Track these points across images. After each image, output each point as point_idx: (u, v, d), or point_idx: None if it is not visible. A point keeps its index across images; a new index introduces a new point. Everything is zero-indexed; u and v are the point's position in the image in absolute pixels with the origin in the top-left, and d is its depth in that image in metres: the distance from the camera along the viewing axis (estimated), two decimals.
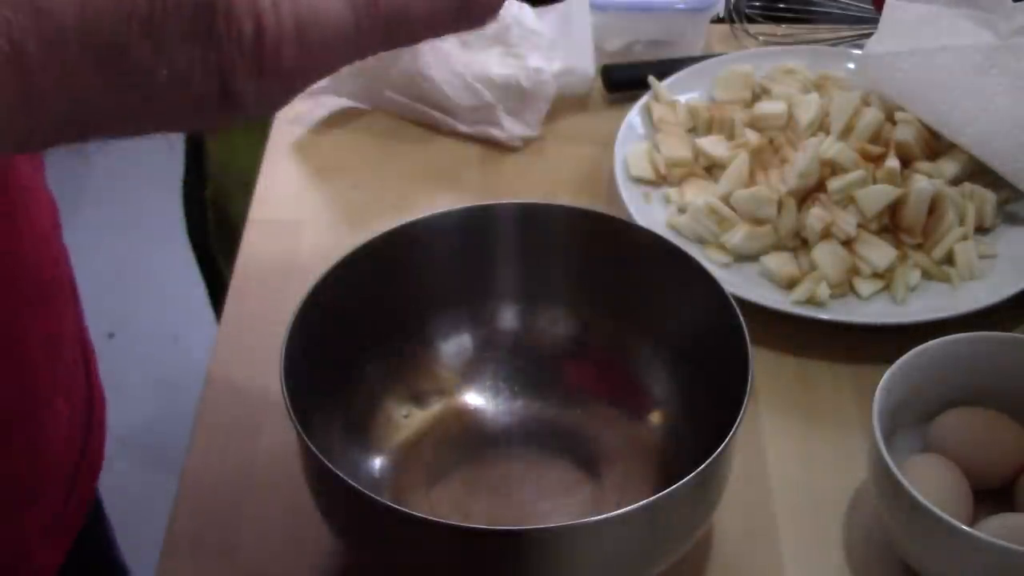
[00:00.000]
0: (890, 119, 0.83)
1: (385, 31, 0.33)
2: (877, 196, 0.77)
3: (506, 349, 0.69)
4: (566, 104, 0.93)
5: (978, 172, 0.82)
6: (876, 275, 0.76)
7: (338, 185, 0.88)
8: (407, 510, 0.53)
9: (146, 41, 0.32)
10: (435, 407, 0.68)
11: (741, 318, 0.59)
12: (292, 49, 0.33)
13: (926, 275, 0.77)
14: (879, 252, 0.76)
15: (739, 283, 0.75)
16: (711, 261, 0.77)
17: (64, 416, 0.67)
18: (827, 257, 0.76)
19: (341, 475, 0.51)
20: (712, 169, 0.84)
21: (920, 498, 0.56)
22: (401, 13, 0.33)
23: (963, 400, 0.65)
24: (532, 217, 0.67)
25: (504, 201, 0.67)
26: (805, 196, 0.78)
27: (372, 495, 0.51)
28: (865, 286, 0.76)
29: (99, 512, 0.81)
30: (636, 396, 0.67)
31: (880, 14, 0.87)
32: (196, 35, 0.32)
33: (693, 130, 0.88)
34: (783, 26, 1.04)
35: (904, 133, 0.81)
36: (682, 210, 0.81)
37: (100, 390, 0.74)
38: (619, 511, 0.51)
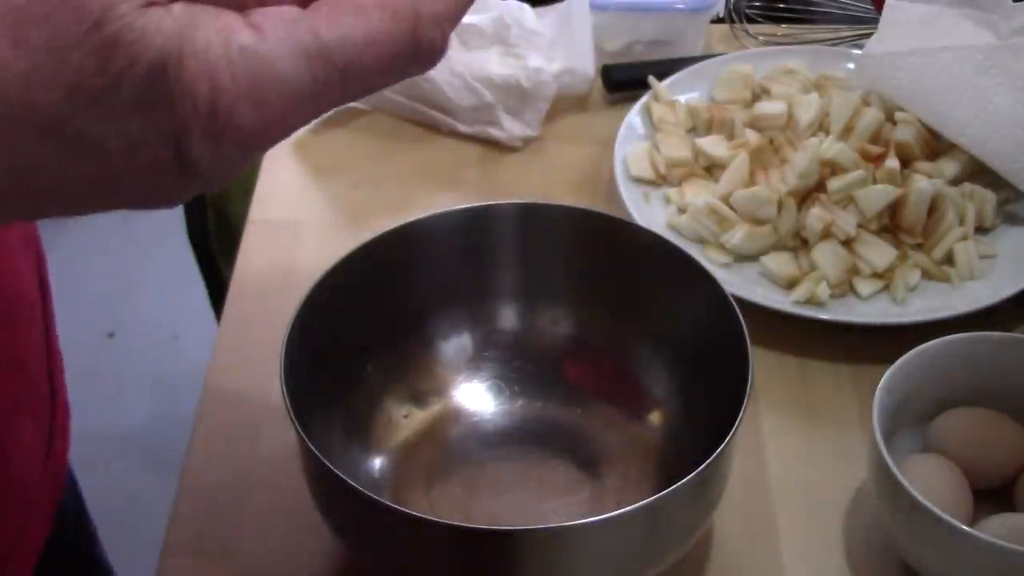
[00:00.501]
0: (890, 119, 0.83)
1: (342, 84, 0.32)
2: (877, 196, 0.77)
3: (506, 349, 0.69)
4: (566, 104, 0.94)
5: (978, 172, 0.82)
6: (876, 275, 0.76)
7: (338, 185, 0.88)
8: (407, 510, 0.53)
9: (95, 110, 0.30)
10: (435, 407, 0.68)
11: (741, 318, 0.59)
12: (249, 110, 0.31)
13: (926, 275, 0.77)
14: (879, 252, 0.76)
15: (739, 283, 0.75)
16: (711, 261, 0.77)
17: (28, 436, 0.65)
18: (827, 257, 0.76)
19: (341, 475, 0.51)
20: (712, 169, 0.84)
21: (920, 498, 0.56)
22: (355, 64, 0.32)
23: (963, 400, 0.65)
24: (532, 217, 0.67)
25: (504, 201, 0.67)
26: (805, 196, 0.78)
27: (372, 495, 0.51)
28: (865, 286, 0.76)
29: (80, 512, 0.80)
30: (636, 396, 0.67)
31: (880, 14, 0.87)
32: (147, 101, 0.31)
33: (693, 130, 0.88)
34: (783, 26, 1.04)
35: (904, 133, 0.81)
36: (682, 210, 0.81)
37: (64, 395, 0.72)
38: (619, 511, 0.51)
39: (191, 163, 0.32)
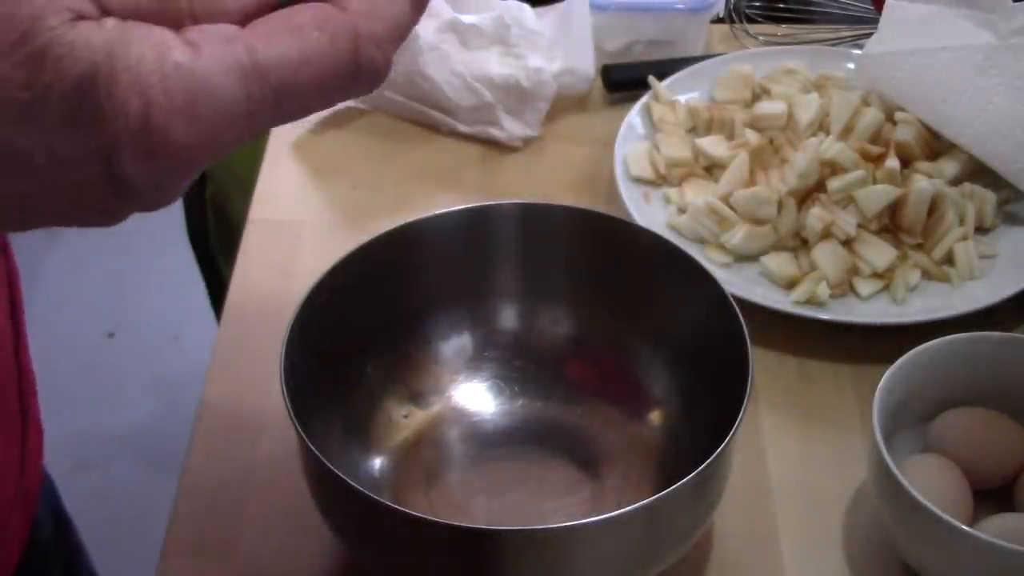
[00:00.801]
0: (890, 119, 0.83)
1: (276, 102, 0.32)
2: (877, 196, 0.77)
3: (506, 349, 0.69)
4: (566, 104, 0.94)
5: (978, 172, 0.82)
6: (876, 275, 0.76)
7: (338, 185, 0.88)
8: (407, 510, 0.53)
9: (21, 124, 0.30)
10: (435, 407, 0.68)
11: (741, 318, 0.59)
12: (183, 126, 0.30)
13: (926, 275, 0.77)
14: (879, 252, 0.76)
15: (739, 283, 0.75)
16: (711, 261, 0.77)
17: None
18: (827, 257, 0.76)
19: (341, 475, 0.51)
20: (712, 169, 0.84)
21: (920, 498, 0.56)
22: (291, 83, 0.32)
23: (963, 400, 0.65)
24: (532, 217, 0.67)
25: (504, 201, 0.67)
26: (805, 196, 0.78)
27: (372, 495, 0.51)
28: (865, 286, 0.76)
29: (61, 524, 0.80)
30: (636, 396, 0.67)
31: (880, 14, 0.87)
32: (77, 116, 0.30)
33: (693, 130, 0.88)
34: (783, 26, 1.04)
35: (904, 133, 0.81)
36: (682, 210, 0.81)
37: (35, 414, 0.71)
38: (619, 511, 0.51)
39: (124, 180, 0.31)
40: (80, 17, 0.30)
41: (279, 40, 0.32)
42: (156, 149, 0.31)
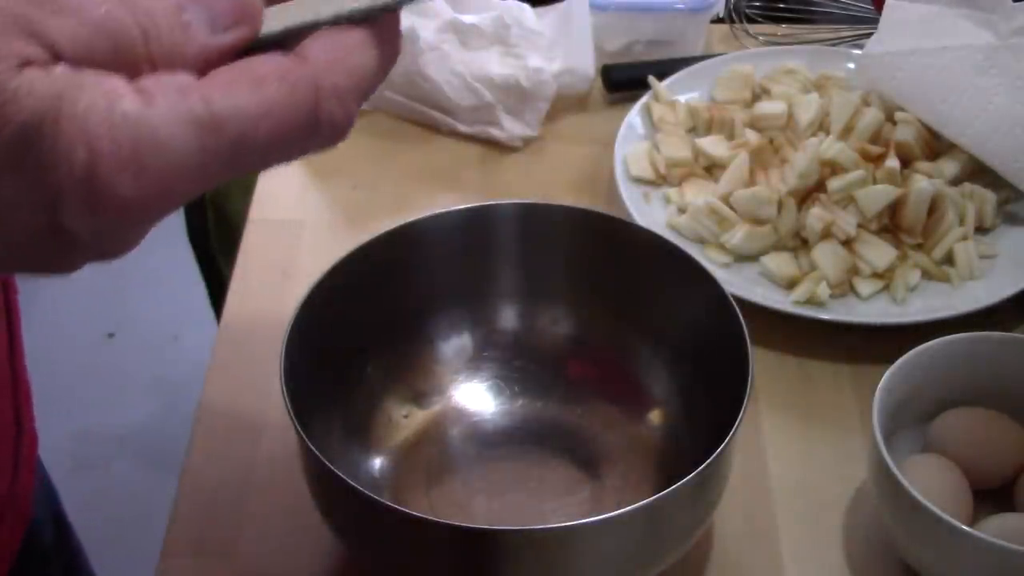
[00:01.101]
0: (890, 119, 0.83)
1: (231, 155, 0.31)
2: (877, 196, 0.77)
3: (506, 349, 0.69)
4: (566, 104, 0.93)
5: (978, 172, 0.82)
6: (876, 275, 0.76)
7: (338, 185, 0.88)
8: (407, 510, 0.53)
9: None
10: (435, 407, 0.68)
11: (741, 318, 0.59)
12: (129, 179, 0.29)
13: (926, 275, 0.77)
14: (879, 252, 0.76)
15: (739, 283, 0.75)
16: (711, 261, 0.77)
17: None
18: (827, 257, 0.76)
19: (341, 475, 0.51)
20: (712, 169, 0.84)
21: (920, 498, 0.56)
22: (248, 137, 0.31)
23: (963, 400, 0.65)
24: (532, 217, 0.67)
25: (504, 201, 0.67)
26: (805, 196, 0.78)
27: (372, 495, 0.51)
28: (865, 286, 0.76)
29: (61, 528, 0.80)
30: (636, 396, 0.67)
31: (880, 14, 0.87)
32: (20, 165, 0.29)
33: (693, 130, 0.88)
34: (783, 26, 1.04)
35: (904, 133, 0.81)
36: (682, 210, 0.81)
37: (30, 424, 0.70)
38: (619, 511, 0.51)
39: (68, 234, 0.30)
40: (28, 63, 0.29)
41: (238, 91, 0.31)
42: (101, 201, 0.30)
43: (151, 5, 0.31)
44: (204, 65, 0.31)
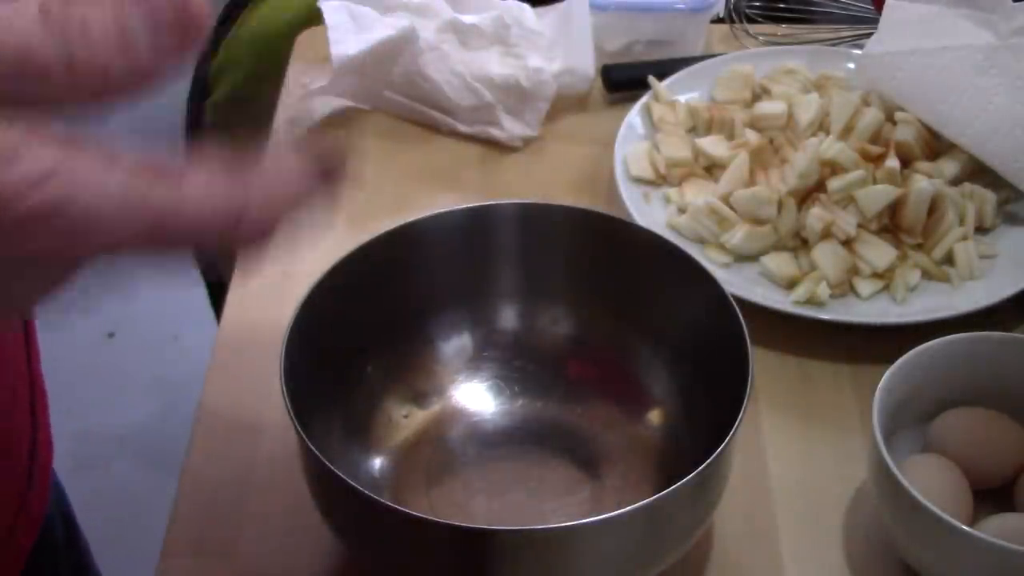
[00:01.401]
0: (890, 119, 0.83)
1: (154, 224, 0.30)
2: (877, 196, 0.77)
3: (506, 349, 0.69)
4: (566, 104, 0.93)
5: (978, 172, 0.82)
6: (876, 275, 0.76)
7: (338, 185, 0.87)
8: (407, 510, 0.53)
9: None
10: (435, 407, 0.68)
11: (741, 318, 0.59)
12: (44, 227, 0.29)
13: (926, 275, 0.77)
14: (879, 252, 0.76)
15: (739, 283, 0.75)
16: (711, 261, 0.77)
17: (4, 476, 0.65)
18: (827, 257, 0.76)
19: (341, 475, 0.51)
20: (712, 169, 0.84)
21: (920, 498, 0.56)
22: (172, 209, 0.30)
23: (963, 400, 0.65)
24: (532, 217, 0.67)
25: (504, 201, 0.67)
26: (805, 196, 0.78)
27: (372, 495, 0.51)
28: (865, 286, 0.76)
29: (70, 528, 0.80)
30: (636, 396, 0.67)
31: (880, 14, 0.87)
32: None
33: (693, 130, 0.88)
34: (783, 26, 1.04)
35: (904, 133, 0.81)
36: (682, 210, 0.81)
37: (47, 432, 0.71)
38: (619, 511, 0.51)
39: None
40: None
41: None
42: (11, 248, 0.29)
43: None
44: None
